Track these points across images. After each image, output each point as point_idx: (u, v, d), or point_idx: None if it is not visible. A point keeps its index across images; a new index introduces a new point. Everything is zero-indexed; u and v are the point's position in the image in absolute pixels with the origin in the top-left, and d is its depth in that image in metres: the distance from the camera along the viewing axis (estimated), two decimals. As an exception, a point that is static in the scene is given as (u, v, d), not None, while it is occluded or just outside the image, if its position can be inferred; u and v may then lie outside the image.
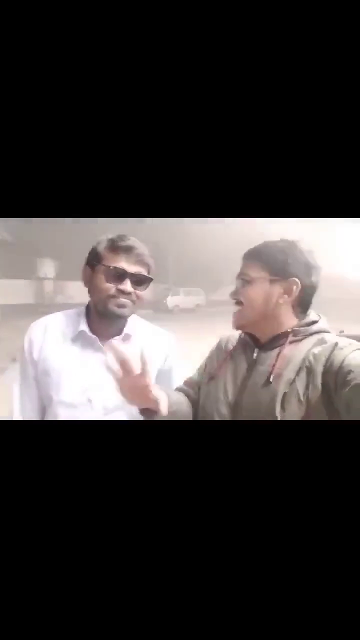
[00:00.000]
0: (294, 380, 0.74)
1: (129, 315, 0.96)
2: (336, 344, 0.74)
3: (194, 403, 0.91)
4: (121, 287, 0.89)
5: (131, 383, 0.73)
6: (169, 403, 0.78)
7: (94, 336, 0.95)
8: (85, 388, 0.93)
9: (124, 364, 0.72)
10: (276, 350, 0.79)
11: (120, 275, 0.90)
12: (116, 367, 0.72)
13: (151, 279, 0.94)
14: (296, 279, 0.79)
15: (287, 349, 0.78)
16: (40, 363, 0.95)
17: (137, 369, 0.71)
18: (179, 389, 0.95)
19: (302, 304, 0.83)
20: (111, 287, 0.90)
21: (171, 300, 16.56)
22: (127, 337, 0.98)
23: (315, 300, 0.85)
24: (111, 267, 0.89)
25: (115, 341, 0.96)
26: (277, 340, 0.81)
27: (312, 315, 0.84)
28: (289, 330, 0.81)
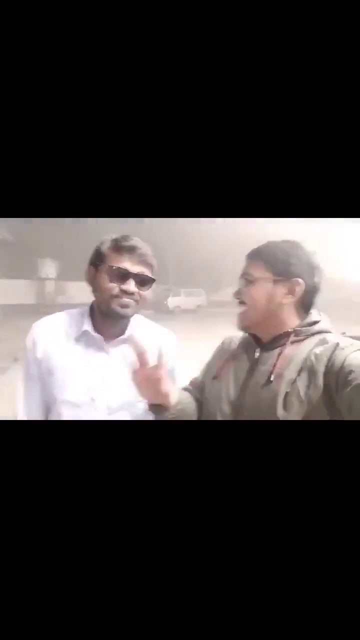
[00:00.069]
0: (295, 380, 0.74)
1: (132, 315, 0.96)
2: (338, 344, 0.75)
3: (199, 403, 0.92)
4: (124, 287, 0.90)
5: (146, 374, 0.78)
6: (177, 400, 0.82)
7: (97, 336, 0.95)
8: (89, 387, 0.94)
9: (141, 355, 0.77)
10: (278, 350, 0.80)
11: (123, 276, 0.90)
12: (134, 358, 0.78)
13: (154, 279, 0.95)
14: (299, 280, 0.79)
15: (289, 349, 0.79)
16: (43, 362, 0.95)
17: (153, 361, 0.77)
18: (184, 389, 0.96)
19: (305, 305, 0.83)
20: (114, 287, 0.90)
21: (172, 301, 16.55)
22: (130, 337, 0.98)
23: (316, 300, 0.85)
24: (114, 267, 0.90)
25: (118, 341, 0.96)
26: (279, 340, 0.81)
27: (314, 315, 0.85)
28: (290, 330, 0.81)
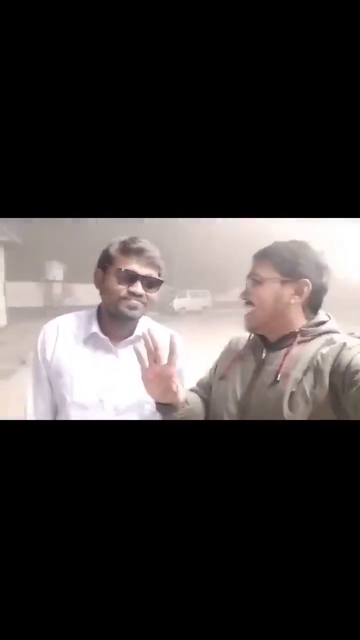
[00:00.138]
0: (301, 380, 0.74)
1: (139, 317, 0.97)
2: (344, 344, 0.74)
3: (206, 403, 0.92)
4: (132, 289, 0.90)
5: (157, 372, 0.78)
6: (185, 400, 0.82)
7: (105, 337, 0.96)
8: (97, 389, 0.94)
9: (153, 352, 0.78)
10: (284, 351, 0.80)
11: (131, 278, 0.91)
12: (145, 354, 0.79)
13: (162, 281, 0.95)
14: (307, 280, 0.79)
15: (296, 349, 0.79)
16: (52, 364, 0.96)
17: (164, 359, 0.77)
18: (191, 390, 0.96)
19: (312, 305, 0.83)
20: (122, 289, 0.91)
21: (178, 303, 16.53)
22: (138, 339, 0.99)
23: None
24: (123, 270, 0.90)
25: (126, 342, 0.97)
26: (286, 340, 0.82)
27: (321, 315, 0.85)
28: (297, 330, 0.81)
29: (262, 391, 0.79)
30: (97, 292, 0.98)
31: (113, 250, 0.93)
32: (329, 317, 0.85)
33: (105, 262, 0.94)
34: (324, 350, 0.75)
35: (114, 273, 0.91)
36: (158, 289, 0.96)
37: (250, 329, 0.87)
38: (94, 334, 0.96)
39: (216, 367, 0.96)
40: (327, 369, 0.73)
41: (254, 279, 0.83)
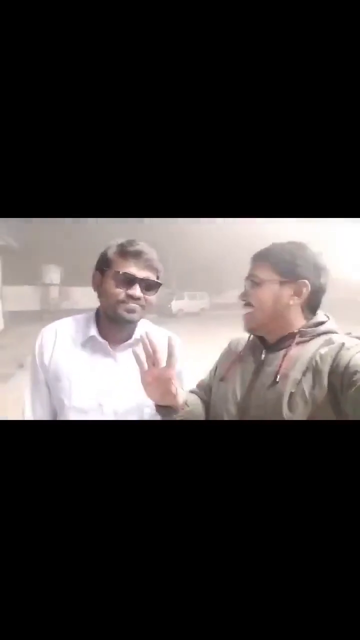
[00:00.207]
0: (300, 381, 0.74)
1: (138, 320, 0.96)
2: (343, 344, 0.75)
3: (206, 404, 0.92)
4: (131, 292, 0.90)
5: (156, 375, 0.79)
6: (185, 401, 0.82)
7: (104, 341, 0.96)
8: (96, 393, 0.94)
9: (152, 355, 0.79)
10: (283, 351, 0.80)
11: (129, 281, 0.90)
12: (143, 357, 0.79)
13: (160, 284, 0.95)
14: (306, 281, 0.80)
15: (294, 350, 0.79)
16: (50, 368, 0.96)
17: (163, 361, 0.78)
18: (191, 391, 0.96)
19: (311, 306, 0.83)
20: (121, 292, 0.90)
21: (175, 305, 16.55)
22: (137, 342, 0.99)
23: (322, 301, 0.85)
24: (121, 273, 0.90)
25: (124, 346, 0.97)
26: (285, 341, 0.82)
27: (320, 316, 0.85)
28: (295, 331, 0.81)
29: (262, 392, 0.79)
30: (94, 294, 0.97)
31: (111, 253, 0.93)
32: (327, 317, 0.85)
33: (103, 265, 0.94)
34: (323, 351, 0.76)
35: (112, 276, 0.91)
36: (156, 292, 0.95)
37: (250, 330, 0.87)
38: (92, 337, 0.96)
39: (216, 368, 0.96)
40: (325, 369, 0.73)
41: (253, 281, 0.83)
